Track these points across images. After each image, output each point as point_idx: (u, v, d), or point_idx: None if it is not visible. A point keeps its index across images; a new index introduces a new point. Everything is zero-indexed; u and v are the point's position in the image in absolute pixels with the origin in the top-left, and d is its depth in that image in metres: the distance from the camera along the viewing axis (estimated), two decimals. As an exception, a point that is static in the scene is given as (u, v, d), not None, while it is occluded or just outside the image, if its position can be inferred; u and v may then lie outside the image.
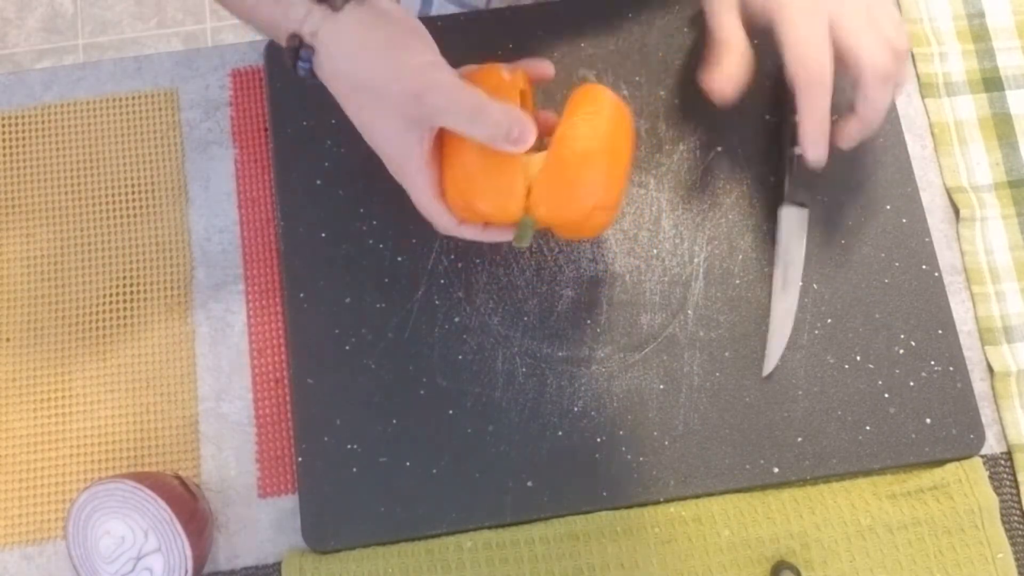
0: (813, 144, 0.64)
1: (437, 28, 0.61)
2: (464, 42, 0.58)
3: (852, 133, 0.66)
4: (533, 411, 0.67)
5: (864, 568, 0.64)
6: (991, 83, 0.76)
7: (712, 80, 0.65)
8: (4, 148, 0.75)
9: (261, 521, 0.67)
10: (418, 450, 0.66)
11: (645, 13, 0.76)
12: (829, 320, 0.69)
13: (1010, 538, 0.66)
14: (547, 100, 0.73)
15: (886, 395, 0.68)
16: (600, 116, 0.61)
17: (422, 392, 0.67)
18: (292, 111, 0.73)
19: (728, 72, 0.64)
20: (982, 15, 0.78)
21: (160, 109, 0.75)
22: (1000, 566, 0.65)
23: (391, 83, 0.58)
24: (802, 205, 0.70)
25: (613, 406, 0.67)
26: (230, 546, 0.67)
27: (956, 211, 0.73)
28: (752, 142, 0.73)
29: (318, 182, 0.72)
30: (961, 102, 0.76)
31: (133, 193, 0.74)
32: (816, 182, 0.70)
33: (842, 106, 0.65)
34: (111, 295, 0.71)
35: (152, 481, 0.62)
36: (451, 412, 0.67)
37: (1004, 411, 0.69)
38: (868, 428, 0.67)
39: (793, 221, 0.70)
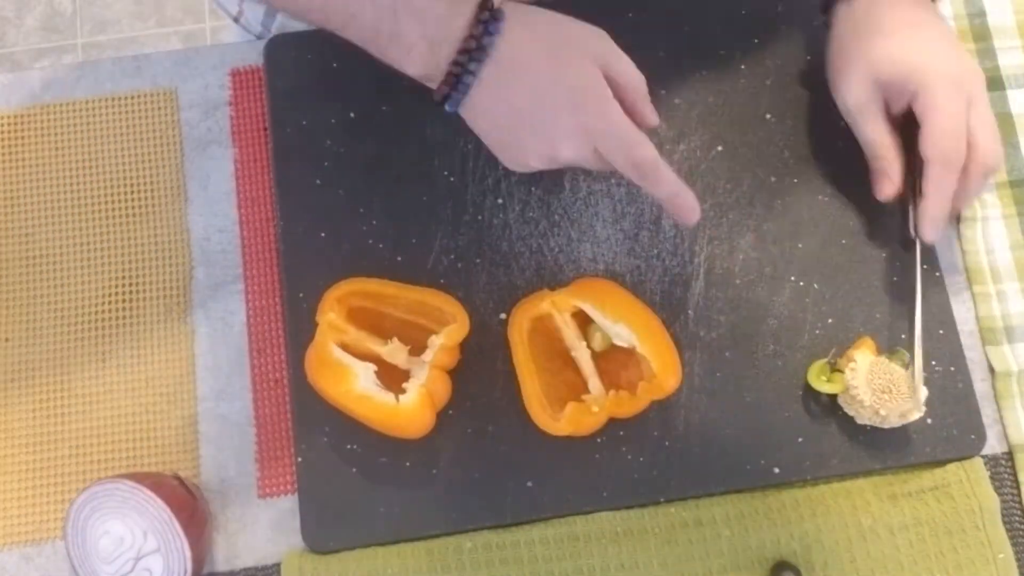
0: (932, 222, 0.65)
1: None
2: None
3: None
4: (533, 411, 0.67)
5: (865, 569, 0.64)
6: (992, 82, 0.76)
7: (884, 190, 0.67)
8: (3, 148, 0.74)
9: (260, 521, 0.67)
10: (418, 450, 0.66)
11: (646, 13, 0.75)
12: (830, 320, 0.69)
13: (1011, 538, 0.66)
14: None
15: (887, 395, 0.68)
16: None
17: (422, 392, 0.67)
18: (291, 111, 0.73)
19: (897, 179, 0.67)
20: (983, 14, 0.78)
21: (159, 108, 0.75)
22: (1001, 567, 0.64)
23: (577, 31, 0.61)
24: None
25: (613, 406, 0.67)
26: (229, 546, 0.67)
27: (957, 211, 0.73)
28: (753, 142, 0.73)
29: (318, 182, 0.72)
30: (962, 101, 0.76)
31: (132, 193, 0.73)
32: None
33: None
34: (110, 295, 0.71)
35: (151, 481, 0.62)
36: (451, 412, 0.67)
37: (1005, 411, 0.69)
38: (869, 429, 0.67)
39: None
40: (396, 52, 0.61)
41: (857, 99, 0.67)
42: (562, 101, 0.59)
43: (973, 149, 0.64)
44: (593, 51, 0.61)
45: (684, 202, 0.62)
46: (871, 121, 0.67)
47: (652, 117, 0.63)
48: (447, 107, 0.61)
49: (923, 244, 0.67)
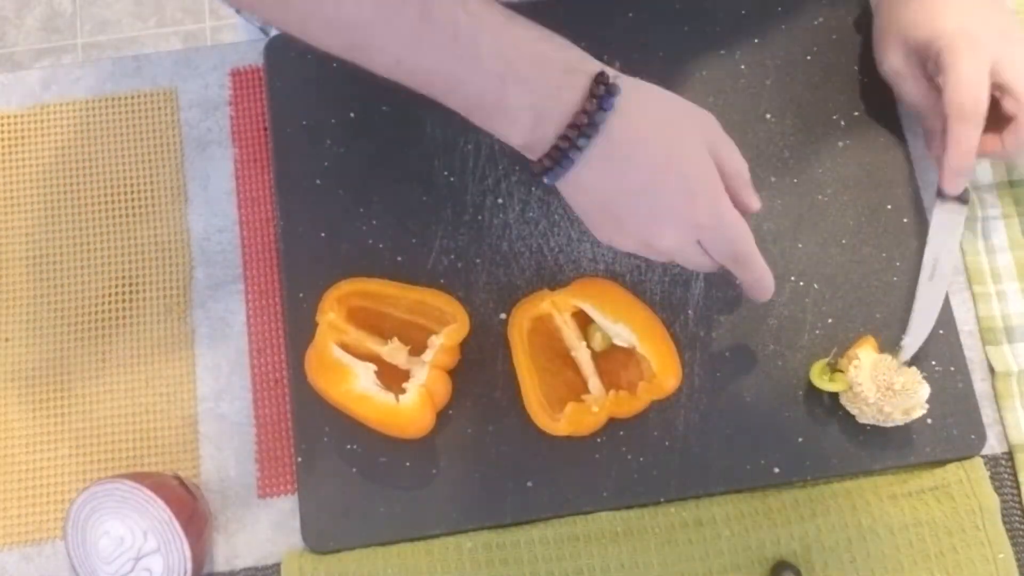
0: (952, 174, 0.67)
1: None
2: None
3: (994, 154, 0.68)
4: (533, 411, 0.67)
5: (865, 569, 0.64)
6: (992, 82, 0.76)
7: (929, 147, 0.70)
8: (3, 148, 0.74)
9: (260, 521, 0.67)
10: (418, 450, 0.66)
11: (645, 12, 0.75)
12: (830, 320, 0.69)
13: (1011, 538, 0.66)
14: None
15: (887, 395, 0.68)
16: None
17: (422, 392, 0.67)
18: (292, 110, 0.73)
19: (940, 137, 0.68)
20: (983, 14, 0.78)
21: (159, 108, 0.75)
22: (1001, 566, 0.64)
23: (690, 113, 0.59)
24: (961, 201, 0.70)
25: (613, 406, 0.67)
26: (229, 546, 0.67)
27: (957, 211, 0.73)
28: (753, 142, 0.73)
29: (318, 182, 0.71)
30: (962, 101, 0.76)
31: (132, 193, 0.73)
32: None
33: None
34: (110, 295, 0.71)
35: (151, 481, 0.62)
36: (451, 412, 0.67)
37: (1005, 411, 0.69)
38: (869, 428, 0.67)
39: (948, 215, 0.70)
40: (500, 122, 0.56)
41: (891, 65, 0.70)
42: (675, 189, 0.57)
43: (1018, 95, 0.65)
44: (705, 135, 0.58)
45: (766, 285, 0.62)
46: (907, 84, 0.69)
47: (755, 203, 0.61)
48: (545, 180, 0.57)
49: (945, 194, 0.69)
